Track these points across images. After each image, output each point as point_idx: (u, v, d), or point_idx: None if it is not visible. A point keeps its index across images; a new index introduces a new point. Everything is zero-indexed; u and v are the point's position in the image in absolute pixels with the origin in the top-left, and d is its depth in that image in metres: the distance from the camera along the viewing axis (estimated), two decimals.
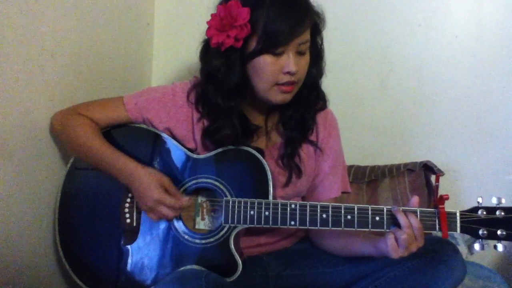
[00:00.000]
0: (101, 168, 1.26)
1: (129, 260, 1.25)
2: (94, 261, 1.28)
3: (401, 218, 1.10)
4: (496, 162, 1.76)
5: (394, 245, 1.09)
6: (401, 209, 1.12)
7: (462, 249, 1.64)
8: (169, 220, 1.24)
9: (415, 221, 1.09)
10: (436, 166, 1.66)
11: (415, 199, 1.14)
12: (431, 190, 1.65)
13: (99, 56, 1.56)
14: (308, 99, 1.29)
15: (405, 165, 1.69)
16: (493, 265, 1.76)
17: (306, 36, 1.18)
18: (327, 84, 1.32)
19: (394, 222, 1.12)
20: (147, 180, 1.19)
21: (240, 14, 1.13)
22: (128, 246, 1.26)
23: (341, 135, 1.40)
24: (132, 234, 1.26)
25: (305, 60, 1.21)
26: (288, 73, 1.17)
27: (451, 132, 1.79)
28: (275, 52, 1.15)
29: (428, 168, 1.68)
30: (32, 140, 1.28)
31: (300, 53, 1.18)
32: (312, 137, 1.33)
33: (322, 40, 1.26)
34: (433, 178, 1.66)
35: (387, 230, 1.13)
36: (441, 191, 1.13)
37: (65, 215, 1.32)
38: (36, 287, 1.35)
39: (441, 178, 1.65)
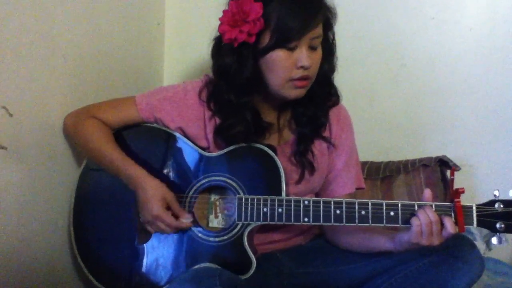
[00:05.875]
0: (111, 173, 1.27)
1: (144, 259, 1.26)
2: (109, 261, 1.29)
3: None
4: None
5: (419, 229, 1.08)
6: (416, 204, 1.11)
7: (480, 244, 1.61)
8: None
9: (433, 215, 1.09)
10: (451, 161, 1.64)
11: (427, 193, 1.13)
12: (447, 185, 1.63)
13: (111, 57, 1.57)
14: (320, 96, 1.28)
15: (420, 160, 1.67)
16: None
17: (319, 30, 1.18)
18: (339, 80, 1.31)
19: (409, 218, 1.11)
20: (150, 193, 1.19)
21: (252, 9, 1.13)
22: (142, 246, 1.26)
23: (355, 131, 1.39)
24: (146, 233, 1.26)
25: (318, 55, 1.20)
26: (302, 67, 1.16)
27: (466, 127, 1.76)
28: (288, 46, 1.15)
29: (443, 163, 1.66)
30: (45, 141, 1.29)
31: (312, 48, 1.18)
32: (325, 133, 1.32)
33: (333, 35, 1.26)
34: (448, 173, 1.64)
35: (402, 225, 1.11)
36: (457, 186, 1.11)
37: (79, 216, 1.33)
38: (52, 287, 1.36)
39: (457, 173, 1.61)
